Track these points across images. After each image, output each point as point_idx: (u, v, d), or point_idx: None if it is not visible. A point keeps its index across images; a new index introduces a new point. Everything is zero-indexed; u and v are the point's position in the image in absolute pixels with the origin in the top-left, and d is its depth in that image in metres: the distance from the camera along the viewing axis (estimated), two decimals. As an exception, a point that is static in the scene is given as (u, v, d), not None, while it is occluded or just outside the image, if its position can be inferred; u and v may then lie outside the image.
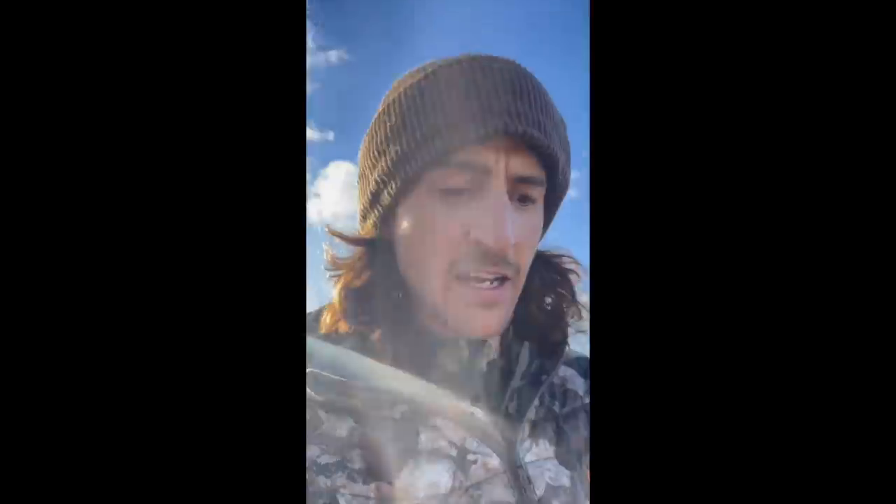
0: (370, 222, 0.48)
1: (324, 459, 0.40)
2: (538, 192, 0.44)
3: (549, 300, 0.51)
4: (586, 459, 0.48)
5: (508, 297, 0.44)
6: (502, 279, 0.43)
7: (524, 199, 0.43)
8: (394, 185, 0.43)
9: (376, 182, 0.45)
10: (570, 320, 0.51)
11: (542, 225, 0.47)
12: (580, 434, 0.49)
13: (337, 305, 0.46)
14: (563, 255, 0.52)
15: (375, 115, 0.47)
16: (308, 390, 0.41)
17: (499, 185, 0.41)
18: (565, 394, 0.51)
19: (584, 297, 0.52)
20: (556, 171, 0.44)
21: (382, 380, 0.43)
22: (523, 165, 0.42)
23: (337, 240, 0.48)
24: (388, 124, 0.44)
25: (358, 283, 0.46)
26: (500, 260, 0.42)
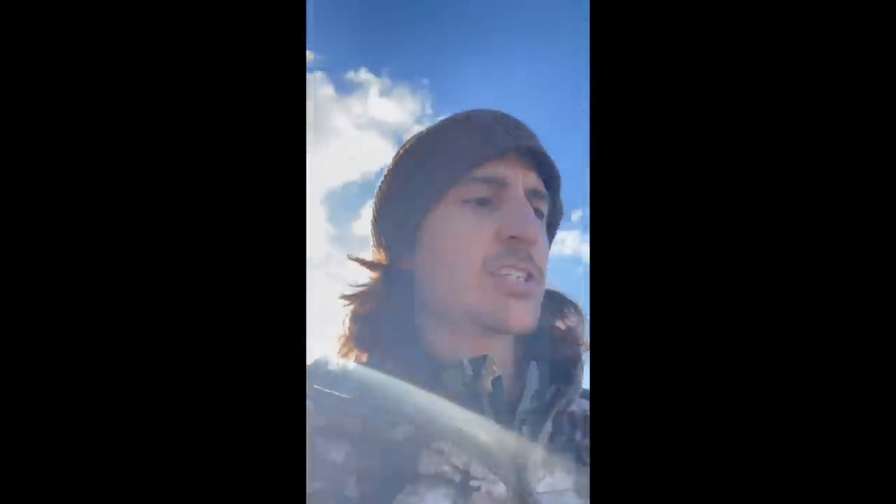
0: (389, 252, 0.52)
1: (316, 486, 0.39)
2: (545, 208, 0.51)
3: (558, 323, 0.53)
4: None
5: (536, 293, 0.48)
6: (528, 276, 0.47)
7: (536, 213, 0.49)
8: (419, 204, 0.49)
9: (400, 209, 0.51)
10: (581, 342, 0.52)
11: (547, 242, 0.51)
12: None
13: (346, 330, 0.50)
14: (567, 297, 0.55)
15: (391, 166, 0.54)
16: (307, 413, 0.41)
17: (519, 193, 0.47)
18: (588, 425, 0.49)
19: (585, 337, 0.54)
20: (557, 192, 0.51)
21: (387, 396, 0.43)
22: (534, 181, 0.49)
23: (356, 266, 0.52)
24: (411, 160, 0.51)
25: (366, 309, 0.50)
26: (526, 256, 0.46)
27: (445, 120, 0.52)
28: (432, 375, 0.45)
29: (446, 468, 0.41)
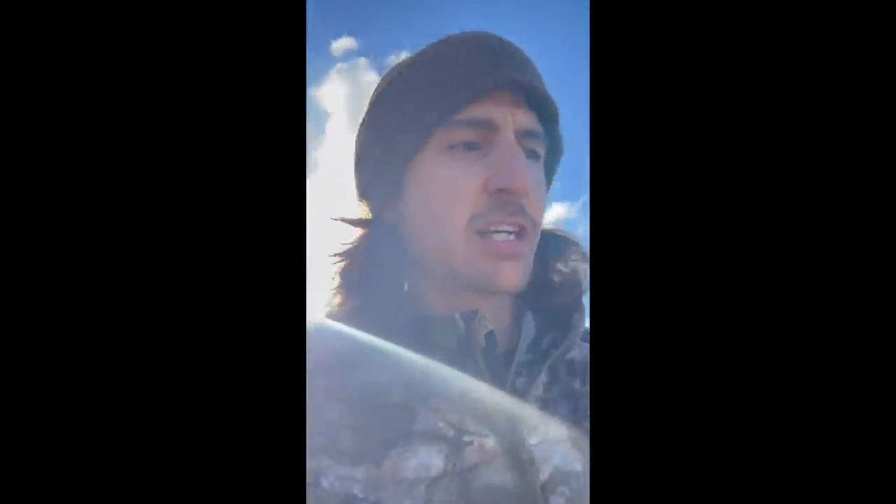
0: (370, 205, 0.49)
1: (312, 441, 0.39)
2: (541, 149, 0.46)
3: (559, 266, 0.50)
4: None
5: (527, 250, 0.45)
6: (520, 232, 0.44)
7: (530, 155, 0.45)
8: (402, 151, 0.45)
9: (381, 154, 0.47)
10: (581, 285, 0.49)
11: (545, 184, 0.48)
12: None
13: (335, 287, 0.48)
14: (567, 233, 0.51)
15: (371, 102, 0.49)
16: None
17: (508, 139, 0.43)
18: (588, 372, 0.47)
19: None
20: (555, 125, 0.47)
21: (382, 355, 0.43)
22: (527, 119, 0.44)
23: (341, 223, 0.50)
24: (394, 95, 0.47)
25: (355, 265, 0.48)
26: (517, 209, 0.43)
27: (432, 45, 0.47)
28: (424, 332, 0.44)
29: (441, 425, 0.41)
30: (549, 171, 0.50)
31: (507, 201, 0.42)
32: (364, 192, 0.50)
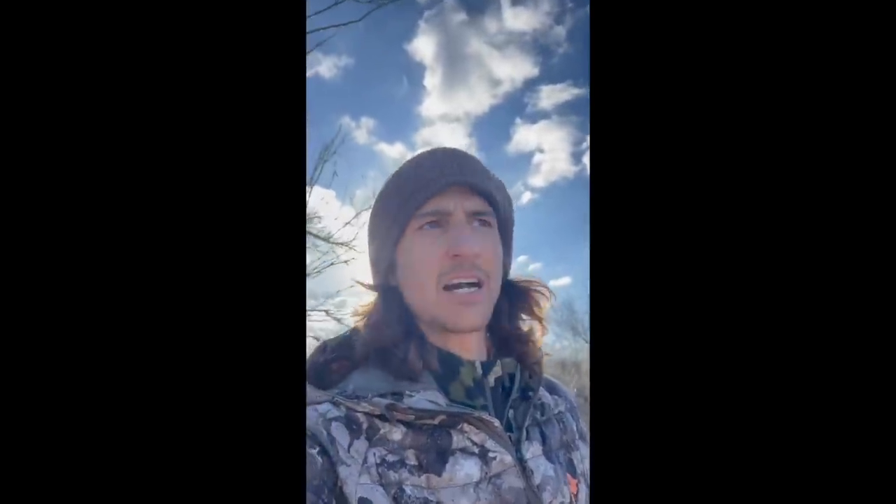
0: (379, 274, 0.67)
1: (390, 458, 0.53)
2: (490, 219, 0.66)
3: (521, 323, 0.69)
4: (563, 454, 0.65)
5: (484, 298, 0.63)
6: (477, 284, 0.61)
7: (482, 223, 0.65)
8: (392, 235, 0.64)
9: (381, 238, 0.65)
10: (540, 339, 0.69)
11: (500, 243, 0.67)
12: (556, 436, 0.66)
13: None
14: (531, 281, 0.71)
15: (373, 204, 0.68)
16: (366, 405, 0.55)
17: (459, 219, 0.63)
18: (542, 406, 0.68)
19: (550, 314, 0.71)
20: (497, 206, 0.66)
21: (421, 400, 0.57)
22: (475, 203, 0.64)
23: (360, 287, 0.67)
24: (382, 200, 0.66)
25: (368, 324, 0.64)
26: (471, 266, 0.61)
27: (407, 161, 0.66)
28: (451, 369, 0.60)
29: (468, 443, 0.56)
30: (505, 236, 0.68)
31: (462, 262, 0.61)
32: (373, 263, 0.68)
